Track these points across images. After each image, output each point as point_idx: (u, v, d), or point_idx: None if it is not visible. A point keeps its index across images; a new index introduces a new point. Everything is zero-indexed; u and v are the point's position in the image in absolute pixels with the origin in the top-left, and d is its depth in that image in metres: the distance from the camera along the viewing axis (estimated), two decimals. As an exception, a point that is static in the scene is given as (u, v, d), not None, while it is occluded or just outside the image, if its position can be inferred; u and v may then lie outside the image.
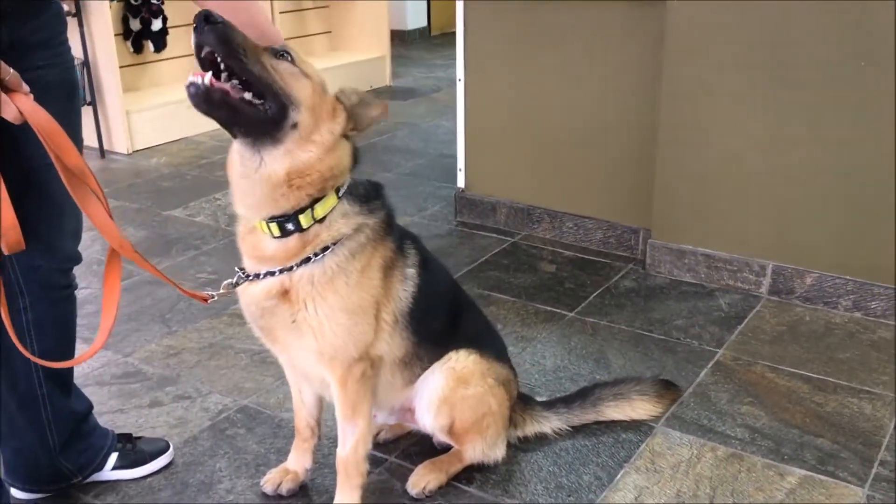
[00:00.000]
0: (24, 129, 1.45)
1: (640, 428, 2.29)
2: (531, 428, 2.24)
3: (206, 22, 1.47)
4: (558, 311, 2.97)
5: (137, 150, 4.89)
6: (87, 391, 2.44)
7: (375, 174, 4.44)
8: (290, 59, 1.59)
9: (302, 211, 1.65)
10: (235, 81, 1.54)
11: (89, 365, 2.62)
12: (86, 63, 4.67)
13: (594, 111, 3.38)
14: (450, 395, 1.97)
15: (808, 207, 2.89)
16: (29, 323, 1.78)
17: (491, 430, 2.06)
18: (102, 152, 4.82)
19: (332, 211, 1.69)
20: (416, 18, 8.49)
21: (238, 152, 1.65)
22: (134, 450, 2.11)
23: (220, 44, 1.49)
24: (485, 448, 2.07)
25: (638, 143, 3.26)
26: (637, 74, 3.20)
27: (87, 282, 3.22)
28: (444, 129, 5.27)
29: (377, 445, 2.22)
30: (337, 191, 1.69)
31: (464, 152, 3.76)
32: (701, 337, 2.76)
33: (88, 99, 4.72)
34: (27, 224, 1.55)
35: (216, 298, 1.78)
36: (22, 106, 1.42)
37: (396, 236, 1.85)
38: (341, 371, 1.80)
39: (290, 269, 1.69)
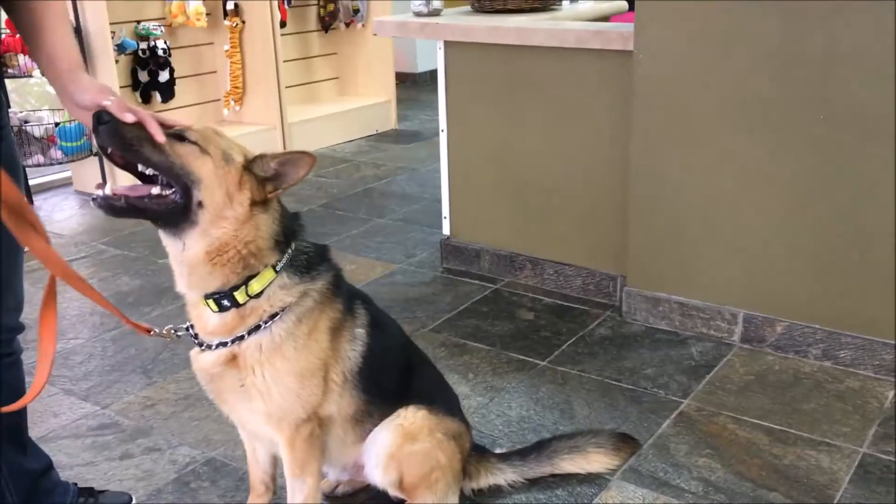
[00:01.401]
0: None
1: (595, 481, 2.32)
2: (485, 480, 2.27)
3: (98, 122, 1.57)
4: (531, 360, 3.00)
5: (142, 198, 5.03)
6: (62, 444, 2.54)
7: (370, 220, 4.55)
8: (191, 139, 1.66)
9: (236, 288, 1.72)
10: (151, 171, 1.64)
11: (67, 417, 2.71)
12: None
13: (572, 159, 3.43)
14: (397, 451, 2.01)
15: (779, 255, 2.91)
16: None
17: (440, 483, 2.09)
18: (108, 201, 4.97)
19: (270, 284, 1.76)
20: (426, 61, 8.62)
21: (164, 239, 1.73)
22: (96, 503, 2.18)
23: (113, 141, 1.59)
24: (436, 501, 2.11)
25: (613, 191, 3.31)
26: (611, 123, 3.26)
27: (76, 332, 3.32)
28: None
29: (335, 499, 2.27)
30: (275, 265, 1.76)
31: (448, 200, 3.83)
32: (668, 386, 2.78)
33: (95, 150, 4.88)
34: None
35: (157, 333, 1.87)
36: None
37: (345, 297, 1.92)
38: (289, 432, 1.87)
39: (242, 338, 1.77)
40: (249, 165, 1.70)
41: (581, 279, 3.49)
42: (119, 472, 2.43)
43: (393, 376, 2.07)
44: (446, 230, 3.87)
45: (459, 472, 2.17)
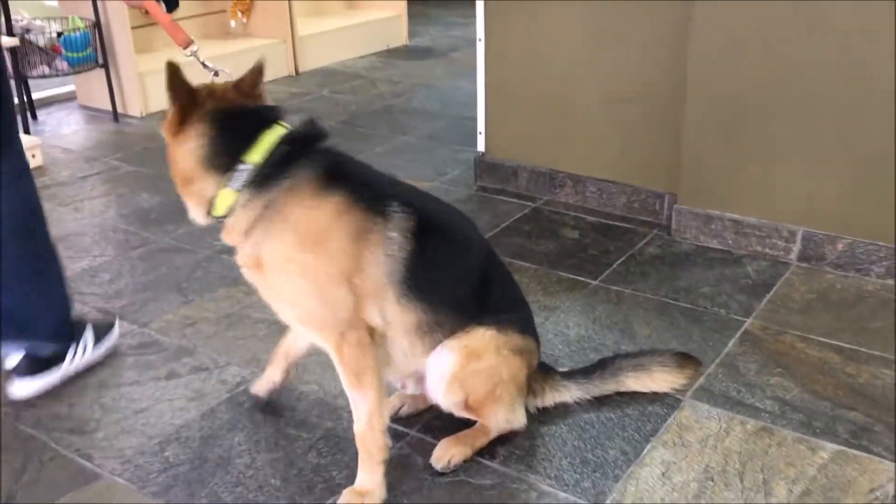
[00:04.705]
0: None
1: (666, 400, 2.24)
2: (551, 397, 2.19)
3: None
4: (581, 279, 2.90)
5: (151, 113, 4.82)
6: (104, 362, 2.43)
7: (394, 137, 4.39)
8: None
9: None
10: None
11: (106, 335, 2.59)
12: (97, 24, 4.59)
13: (620, 72, 3.27)
14: (460, 371, 1.92)
15: (840, 171, 2.79)
16: None
17: (505, 397, 2.00)
18: (116, 116, 4.76)
19: (234, 204, 1.73)
20: (433, -25, 8.30)
21: None
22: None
23: None
24: (506, 414, 2.03)
25: (664, 105, 3.16)
26: (665, 33, 3.09)
27: (100, 249, 3.18)
28: (463, 90, 5.14)
29: (398, 420, 2.18)
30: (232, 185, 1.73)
31: (484, 115, 3.66)
32: (728, 305, 2.69)
33: (101, 61, 4.65)
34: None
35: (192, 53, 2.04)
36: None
37: (351, 192, 1.76)
38: (333, 338, 1.81)
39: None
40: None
41: (626, 197, 3.37)
42: (168, 392, 2.32)
43: (461, 286, 1.95)
44: (481, 146, 3.72)
45: (524, 385, 2.08)
